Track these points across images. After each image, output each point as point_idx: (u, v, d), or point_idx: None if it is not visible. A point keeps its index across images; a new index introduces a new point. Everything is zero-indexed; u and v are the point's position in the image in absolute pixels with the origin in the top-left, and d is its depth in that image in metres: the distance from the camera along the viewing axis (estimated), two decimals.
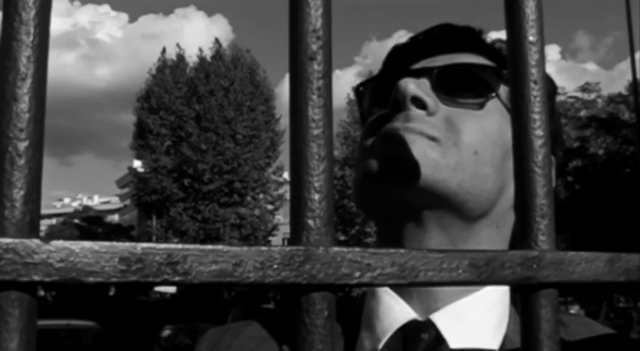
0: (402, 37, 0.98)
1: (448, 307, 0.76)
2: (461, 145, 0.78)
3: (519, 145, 0.36)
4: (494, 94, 0.83)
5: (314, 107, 0.30)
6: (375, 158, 0.78)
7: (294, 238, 0.30)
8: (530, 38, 0.36)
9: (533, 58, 0.36)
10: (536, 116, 0.36)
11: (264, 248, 0.29)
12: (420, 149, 0.76)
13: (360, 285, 0.30)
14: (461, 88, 0.82)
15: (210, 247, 0.28)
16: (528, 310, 0.34)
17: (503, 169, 0.80)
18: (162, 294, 33.74)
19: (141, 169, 37.49)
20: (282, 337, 0.85)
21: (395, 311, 0.77)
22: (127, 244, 0.27)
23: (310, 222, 0.30)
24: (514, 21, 0.36)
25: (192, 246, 0.28)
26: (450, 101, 0.81)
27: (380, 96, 0.86)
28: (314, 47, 0.31)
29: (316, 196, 0.30)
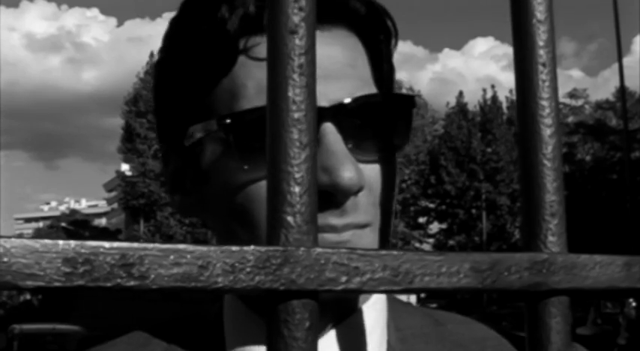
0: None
1: (322, 339, 0.68)
2: (385, 217, 0.69)
3: (526, 136, 0.32)
4: (406, 141, 0.71)
5: (295, 87, 0.26)
6: None
7: (272, 237, 0.26)
8: (538, 16, 0.32)
9: (541, 38, 0.32)
10: (545, 103, 0.32)
11: (235, 248, 0.25)
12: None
13: (347, 291, 0.26)
14: (371, 132, 0.68)
15: (172, 246, 0.24)
16: (536, 320, 0.30)
17: None
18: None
19: (128, 173, 37.37)
20: (170, 340, 0.76)
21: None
22: (73, 242, 0.23)
23: (290, 219, 0.26)
24: None
25: (150, 245, 0.24)
26: (364, 156, 0.67)
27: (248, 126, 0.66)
28: (295, 19, 0.27)
29: (297, 189, 0.26)
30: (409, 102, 0.71)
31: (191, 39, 0.72)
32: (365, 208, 0.67)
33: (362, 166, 0.66)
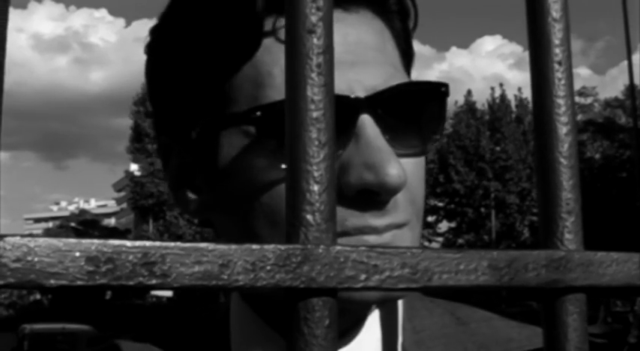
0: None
1: None
2: (419, 214, 0.66)
3: (542, 134, 0.32)
4: (441, 131, 0.67)
5: (313, 86, 0.27)
6: None
7: (291, 236, 0.26)
8: (554, 14, 0.32)
9: (557, 36, 0.32)
10: (561, 101, 0.32)
11: (255, 246, 0.25)
12: None
13: (367, 289, 0.26)
14: (406, 123, 0.64)
15: (193, 244, 0.24)
16: (553, 317, 0.30)
17: None
18: (158, 297, 33.70)
19: (137, 173, 37.51)
20: None
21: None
22: (96, 241, 0.23)
23: (309, 217, 0.26)
24: None
25: (172, 244, 0.24)
26: (400, 149, 0.63)
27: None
28: (313, 19, 0.27)
29: (316, 188, 0.26)
30: (444, 91, 0.66)
31: (206, 13, 0.64)
32: (404, 206, 0.63)
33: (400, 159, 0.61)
